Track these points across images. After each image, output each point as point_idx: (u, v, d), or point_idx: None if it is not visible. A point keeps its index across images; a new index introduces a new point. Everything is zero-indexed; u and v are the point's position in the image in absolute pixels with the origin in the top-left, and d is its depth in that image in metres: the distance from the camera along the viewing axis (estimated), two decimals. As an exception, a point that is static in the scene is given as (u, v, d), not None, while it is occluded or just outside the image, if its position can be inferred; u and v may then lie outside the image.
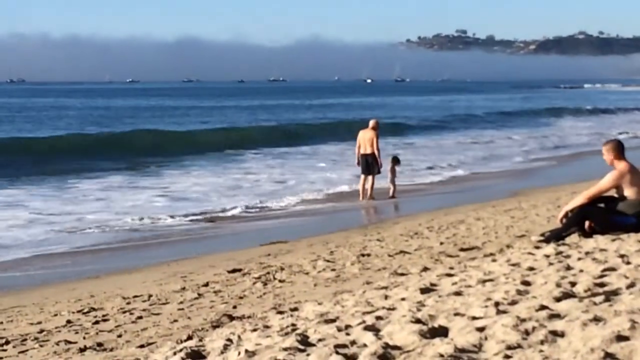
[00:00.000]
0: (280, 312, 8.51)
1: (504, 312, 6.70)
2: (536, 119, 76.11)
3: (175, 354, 6.79)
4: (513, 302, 7.09)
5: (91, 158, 40.27)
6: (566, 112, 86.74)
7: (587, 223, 11.47)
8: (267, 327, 7.50)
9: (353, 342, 6.20)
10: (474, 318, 6.58)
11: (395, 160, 25.78)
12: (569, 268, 8.76)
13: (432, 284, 8.64)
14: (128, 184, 30.22)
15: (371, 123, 25.68)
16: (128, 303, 11.26)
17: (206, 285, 12.12)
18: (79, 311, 10.95)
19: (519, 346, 5.65)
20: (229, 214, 22.52)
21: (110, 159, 40.03)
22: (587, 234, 11.38)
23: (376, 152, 24.98)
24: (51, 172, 33.79)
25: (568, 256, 9.64)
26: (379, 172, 24.99)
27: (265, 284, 11.67)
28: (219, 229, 20.27)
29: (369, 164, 24.94)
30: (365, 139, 25.28)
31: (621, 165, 11.64)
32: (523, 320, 6.20)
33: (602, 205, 11.72)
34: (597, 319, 6.04)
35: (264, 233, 18.60)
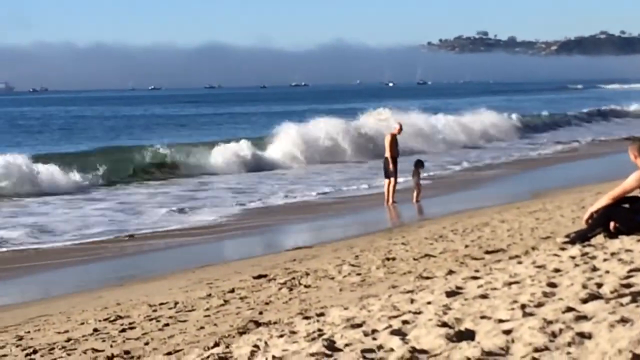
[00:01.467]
0: (307, 318, 8.50)
1: (531, 314, 6.68)
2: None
3: (202, 360, 6.81)
4: (539, 305, 7.06)
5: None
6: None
7: (612, 224, 11.43)
8: (293, 332, 7.51)
9: (380, 347, 6.20)
10: (501, 321, 6.56)
11: (419, 164, 25.68)
12: (594, 269, 8.72)
13: (457, 287, 8.61)
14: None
15: (394, 127, 25.76)
16: (154, 310, 11.29)
17: (232, 291, 12.13)
18: (105, 319, 11.00)
19: (546, 348, 5.64)
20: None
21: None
22: (613, 235, 11.33)
23: (388, 155, 24.91)
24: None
25: (594, 257, 9.60)
26: (392, 175, 24.78)
27: (290, 289, 11.67)
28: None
29: (386, 168, 24.91)
30: (385, 142, 25.32)
31: (645, 165, 11.58)
32: (550, 322, 6.19)
33: (626, 205, 11.67)
34: (624, 320, 6.01)
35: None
